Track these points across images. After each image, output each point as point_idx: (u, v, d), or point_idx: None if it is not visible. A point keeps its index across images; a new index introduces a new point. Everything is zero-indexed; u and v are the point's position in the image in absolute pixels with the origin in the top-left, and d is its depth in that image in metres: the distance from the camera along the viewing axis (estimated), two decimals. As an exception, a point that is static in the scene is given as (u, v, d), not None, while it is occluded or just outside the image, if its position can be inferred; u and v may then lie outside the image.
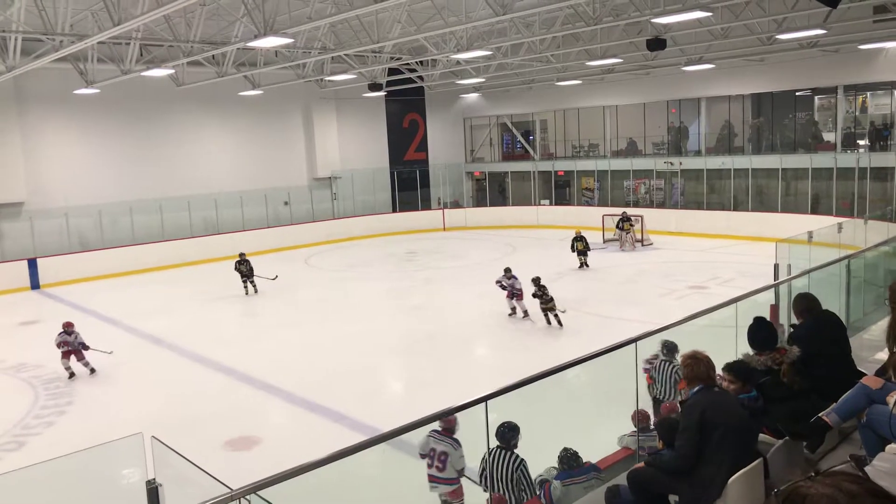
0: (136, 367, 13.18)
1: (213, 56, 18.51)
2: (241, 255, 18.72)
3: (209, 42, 16.23)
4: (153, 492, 4.00)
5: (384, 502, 7.04)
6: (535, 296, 14.13)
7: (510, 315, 14.90)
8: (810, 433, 4.20)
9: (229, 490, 3.21)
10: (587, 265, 19.55)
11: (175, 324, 15.93)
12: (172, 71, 19.13)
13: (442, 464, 6.59)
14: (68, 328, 12.53)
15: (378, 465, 6.07)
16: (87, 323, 16.83)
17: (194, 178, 24.93)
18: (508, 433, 5.83)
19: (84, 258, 21.84)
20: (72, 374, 12.32)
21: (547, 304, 14.08)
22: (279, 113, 27.39)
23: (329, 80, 24.43)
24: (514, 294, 14.88)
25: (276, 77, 22.77)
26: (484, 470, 5.56)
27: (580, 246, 19.50)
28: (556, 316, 14.04)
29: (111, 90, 20.15)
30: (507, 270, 15.24)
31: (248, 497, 3.23)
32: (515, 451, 5.91)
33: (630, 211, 24.33)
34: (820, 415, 4.17)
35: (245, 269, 18.41)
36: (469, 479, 6.39)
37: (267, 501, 3.25)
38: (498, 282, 15.16)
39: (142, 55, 18.01)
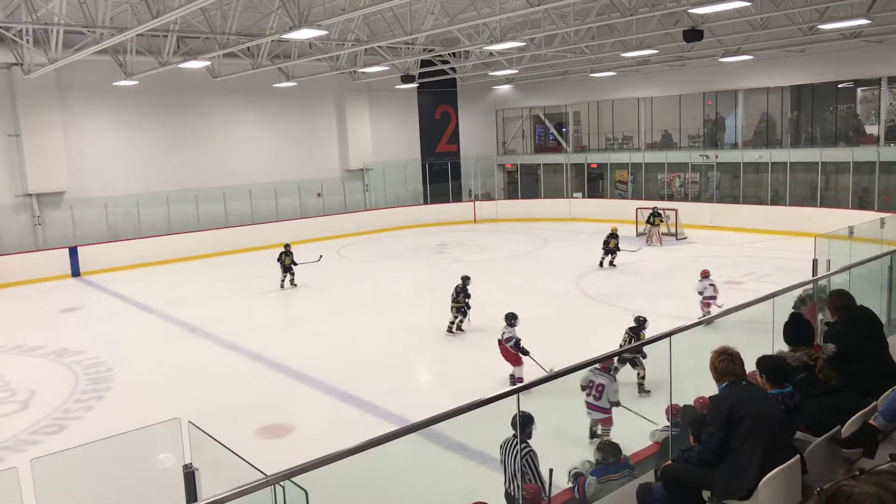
0: (173, 354, 13.44)
1: (249, 48, 18.71)
2: (286, 245, 18.56)
3: (244, 34, 16.41)
4: (190, 476, 4.09)
5: (414, 492, 7.09)
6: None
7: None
8: (861, 439, 4.12)
9: (264, 475, 3.27)
10: (613, 264, 19.12)
11: (210, 312, 16.20)
12: (208, 63, 19.38)
13: (599, 393, 8.08)
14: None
15: (408, 454, 6.11)
16: (125, 310, 17.25)
17: (229, 169, 25.28)
18: (522, 422, 5.84)
19: (122, 247, 22.32)
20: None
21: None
22: (312, 105, 27.60)
23: (362, 72, 24.52)
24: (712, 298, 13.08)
25: (310, 69, 22.94)
26: (501, 458, 5.61)
27: (613, 243, 19.00)
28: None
29: (149, 82, 20.51)
30: (706, 274, 13.46)
31: (282, 483, 3.28)
32: (528, 441, 5.91)
33: (664, 205, 24.03)
34: (869, 420, 4.09)
35: (287, 262, 18.15)
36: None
37: (300, 487, 3.29)
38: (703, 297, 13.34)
39: (179, 47, 18.28)
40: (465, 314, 13.69)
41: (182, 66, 18.36)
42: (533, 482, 5.85)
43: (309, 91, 26.05)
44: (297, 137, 27.42)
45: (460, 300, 13.66)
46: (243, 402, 10.68)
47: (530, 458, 5.90)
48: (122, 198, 22.89)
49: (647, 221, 22.96)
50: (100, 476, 5.27)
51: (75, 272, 21.36)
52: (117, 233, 22.86)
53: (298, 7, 12.93)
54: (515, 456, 5.87)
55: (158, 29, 15.32)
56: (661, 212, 23.04)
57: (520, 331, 10.83)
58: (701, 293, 13.35)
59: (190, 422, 4.44)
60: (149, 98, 23.09)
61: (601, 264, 19.11)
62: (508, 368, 10.75)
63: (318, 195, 27.58)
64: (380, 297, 17.48)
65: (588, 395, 8.15)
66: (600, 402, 8.13)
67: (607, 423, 8.16)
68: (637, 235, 23.54)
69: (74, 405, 10.87)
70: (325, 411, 10.57)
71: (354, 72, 24.37)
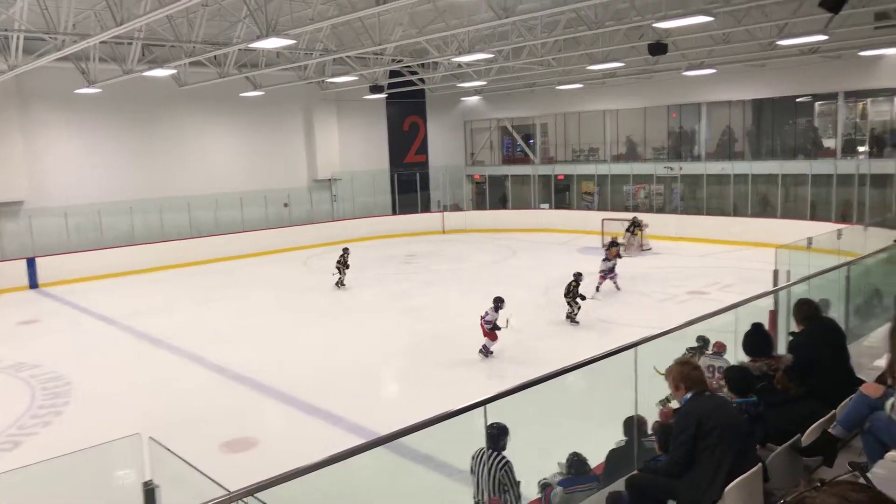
0: (134, 367, 13.16)
1: (215, 57, 18.51)
2: (346, 249, 19.52)
3: (211, 42, 16.24)
4: (150, 493, 3.99)
5: (381, 505, 7.03)
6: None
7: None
8: (821, 448, 4.20)
9: (227, 492, 3.20)
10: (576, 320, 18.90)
11: (174, 324, 15.93)
12: (174, 71, 19.13)
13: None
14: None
15: (374, 467, 6.06)
16: (85, 322, 16.86)
17: (195, 179, 24.95)
18: (496, 434, 5.83)
19: (83, 258, 21.83)
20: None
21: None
22: (280, 114, 27.41)
23: (330, 82, 24.45)
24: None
25: (278, 78, 22.79)
26: (472, 469, 5.58)
27: (614, 251, 18.33)
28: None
29: (113, 90, 20.16)
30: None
31: (245, 499, 3.22)
32: (503, 452, 5.91)
33: (631, 216, 24.30)
34: (828, 429, 4.17)
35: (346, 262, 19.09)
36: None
37: (264, 503, 3.24)
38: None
39: (144, 55, 18.04)
40: (577, 306, 14.53)
41: (147, 74, 18.11)
42: (511, 494, 5.86)
43: (276, 100, 25.87)
44: (265, 147, 27.20)
45: (571, 294, 14.47)
46: (206, 416, 10.50)
47: (507, 470, 5.88)
48: (84, 207, 22.41)
49: (627, 230, 23.17)
50: (57, 494, 5.12)
51: (33, 284, 20.82)
52: (78, 243, 22.36)
53: (266, 16, 12.85)
54: (491, 468, 5.85)
55: (123, 36, 15.11)
56: (640, 221, 23.33)
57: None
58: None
59: (151, 437, 4.34)
60: (112, 106, 22.70)
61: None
62: (482, 380, 10.81)
63: (286, 205, 27.35)
64: (348, 307, 17.36)
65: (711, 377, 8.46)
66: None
67: None
68: (602, 246, 23.76)
69: (31, 421, 10.57)
70: (291, 424, 10.44)
71: (323, 81, 24.28)
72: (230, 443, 9.42)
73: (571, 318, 14.53)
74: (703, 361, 8.59)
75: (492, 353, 12.77)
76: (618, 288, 17.23)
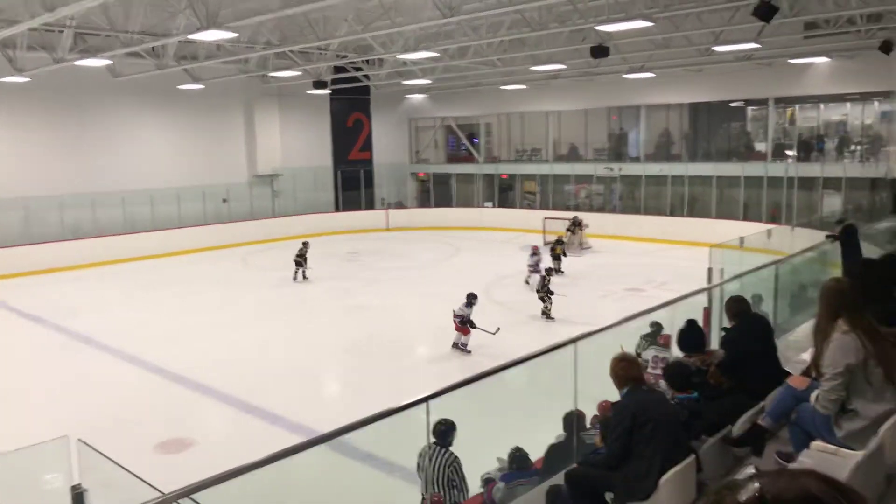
0: (64, 366, 12.67)
1: (153, 48, 17.97)
2: (305, 242, 19.85)
3: (149, 33, 15.76)
4: (78, 497, 3.84)
5: (322, 504, 6.96)
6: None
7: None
8: (750, 439, 4.35)
9: (160, 494, 3.12)
10: (561, 271, 19.27)
11: (105, 322, 15.39)
12: (109, 62, 18.48)
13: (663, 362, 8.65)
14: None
15: (315, 466, 5.99)
16: (9, 320, 16.14)
17: (129, 173, 24.14)
18: (445, 430, 5.86)
19: (10, 253, 20.86)
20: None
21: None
22: (220, 108, 26.79)
23: (272, 76, 24.02)
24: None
25: (218, 71, 22.27)
26: (420, 465, 5.59)
27: (559, 250, 19.51)
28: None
29: (42, 79, 19.31)
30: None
31: (179, 501, 3.14)
32: (450, 448, 5.94)
33: (572, 215, 24.69)
34: (757, 420, 4.32)
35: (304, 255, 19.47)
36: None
37: (200, 505, 3.16)
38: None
39: (76, 44, 17.33)
40: (550, 301, 14.74)
41: (79, 63, 17.42)
42: (459, 489, 5.90)
43: (216, 94, 25.24)
44: (203, 141, 26.53)
45: (544, 290, 14.75)
46: (140, 417, 10.19)
47: (456, 466, 5.92)
48: (10, 201, 21.39)
49: (568, 230, 23.53)
50: (-22, 500, 4.88)
51: (-46, 280, 19.82)
52: (4, 238, 21.34)
53: (207, 7, 12.54)
54: (439, 465, 5.86)
55: (53, 24, 14.51)
56: (580, 220, 23.74)
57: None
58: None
59: (80, 439, 4.19)
60: (42, 96, 21.73)
61: (557, 271, 18.87)
62: (424, 378, 10.79)
63: (224, 201, 26.74)
64: (288, 306, 17.12)
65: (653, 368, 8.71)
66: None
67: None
68: (545, 244, 24.09)
69: (-49, 424, 10.05)
70: (229, 424, 10.23)
71: (265, 76, 23.85)
72: (164, 444, 9.17)
73: (547, 314, 14.78)
74: (650, 351, 8.88)
75: (467, 348, 12.71)
76: (527, 282, 17.98)
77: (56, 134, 22.76)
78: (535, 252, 18.42)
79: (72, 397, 11.03)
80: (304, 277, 19.50)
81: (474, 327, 12.59)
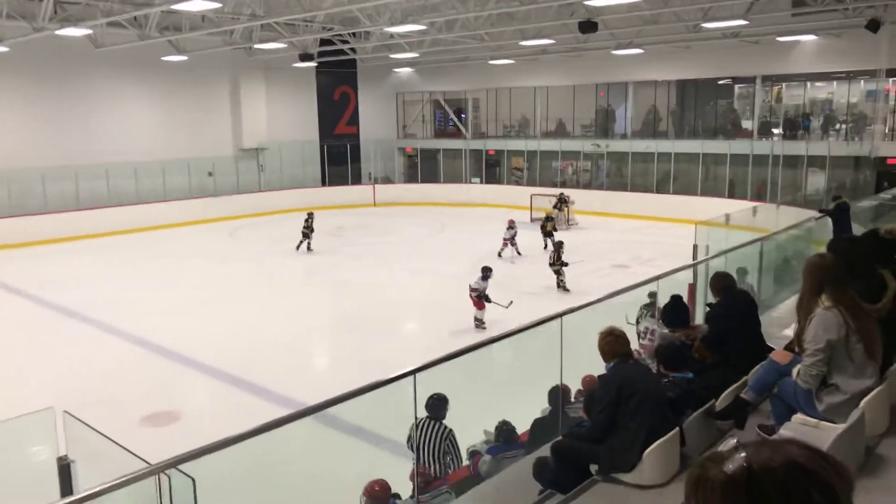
0: (49, 340, 12.59)
1: (136, 18, 17.64)
2: (311, 214, 20.06)
3: (130, 2, 15.45)
4: (65, 468, 3.85)
5: (308, 476, 7.00)
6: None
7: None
8: (733, 412, 4.41)
9: (147, 464, 3.12)
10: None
11: (91, 296, 15.27)
12: (90, 31, 18.14)
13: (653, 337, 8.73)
14: None
15: (302, 439, 6.02)
16: (-7, 295, 15.99)
17: (113, 146, 23.81)
18: (438, 404, 5.91)
19: (-10, 226, 20.62)
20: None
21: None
22: (205, 80, 26.41)
23: (258, 49, 23.68)
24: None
25: (203, 43, 21.91)
26: (410, 438, 5.63)
27: (549, 227, 19.60)
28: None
29: (22, 49, 18.95)
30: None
31: (167, 472, 3.14)
32: (443, 421, 6.00)
33: (558, 191, 24.71)
34: (740, 394, 4.37)
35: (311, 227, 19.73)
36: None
37: (188, 475, 3.17)
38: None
39: (56, 13, 16.97)
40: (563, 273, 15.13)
41: (60, 33, 17.07)
42: (455, 461, 5.99)
43: (201, 66, 24.88)
44: (188, 114, 26.18)
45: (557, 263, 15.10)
46: (127, 391, 10.17)
47: (452, 439, 5.99)
48: (-9, 173, 21.10)
49: (555, 207, 23.57)
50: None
51: (-65, 253, 19.57)
52: (-16, 211, 21.07)
53: (189, -24, 12.30)
54: (435, 438, 5.92)
55: (32, -9, 14.18)
56: (567, 197, 23.78)
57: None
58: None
59: (66, 411, 4.18)
60: (22, 67, 21.32)
61: (546, 247, 18.95)
62: (411, 352, 10.83)
63: (210, 174, 26.49)
64: (275, 280, 17.07)
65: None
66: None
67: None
68: (531, 221, 24.13)
69: (-66, 397, 9.99)
70: (216, 397, 10.25)
71: (250, 48, 23.51)
72: (152, 417, 9.18)
73: (562, 286, 15.06)
74: (644, 322, 9.01)
75: (483, 324, 12.55)
76: (499, 255, 18.45)
77: (37, 105, 22.39)
78: (511, 226, 18.69)
79: (57, 371, 10.98)
80: (309, 249, 19.61)
81: (489, 301, 12.51)
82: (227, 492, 5.46)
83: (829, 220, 11.86)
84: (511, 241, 18.44)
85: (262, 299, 15.15)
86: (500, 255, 18.41)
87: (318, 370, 11.83)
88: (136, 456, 3.59)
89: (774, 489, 1.15)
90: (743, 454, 1.20)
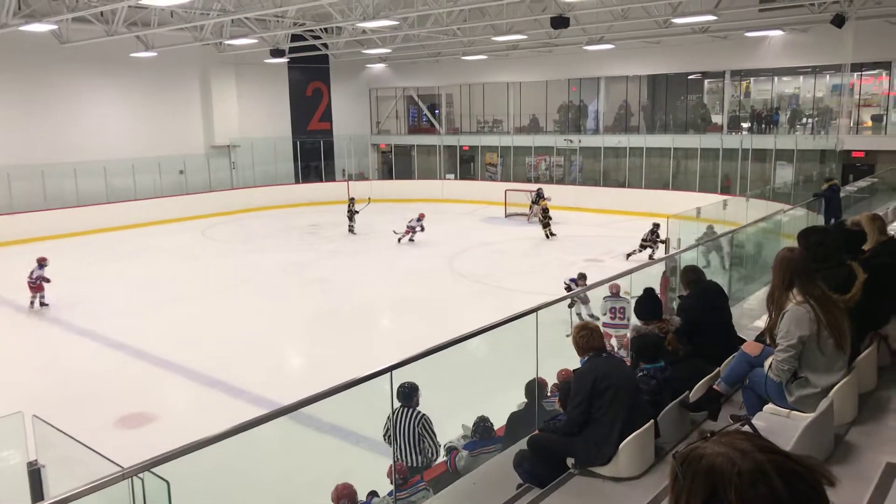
0: (17, 343, 12.35)
1: (102, 13, 17.32)
2: (352, 199, 22.28)
3: (96, -3, 15.16)
4: (35, 473, 3.78)
5: (284, 476, 6.96)
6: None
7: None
8: (706, 403, 4.47)
9: (120, 468, 3.07)
10: (554, 234, 20.74)
11: (60, 297, 14.96)
12: (55, 27, 17.77)
13: (622, 314, 9.12)
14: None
15: (278, 439, 5.98)
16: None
17: (81, 144, 23.37)
18: (408, 392, 5.92)
19: (-46, 227, 20.14)
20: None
21: None
22: (175, 77, 26.03)
23: (228, 44, 23.41)
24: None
25: (172, 39, 21.60)
26: (388, 430, 5.63)
27: (547, 220, 20.74)
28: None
29: (-16, 45, 18.52)
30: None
31: (140, 475, 3.10)
32: (417, 408, 6.01)
33: (532, 187, 24.80)
34: (713, 386, 4.43)
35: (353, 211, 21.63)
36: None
37: (162, 479, 3.13)
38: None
39: (20, 8, 16.60)
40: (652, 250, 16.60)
41: (24, 28, 16.70)
42: (432, 446, 5.99)
43: (171, 62, 24.51)
44: (158, 111, 25.80)
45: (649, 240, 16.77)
46: (99, 393, 10.02)
47: (426, 423, 6.00)
48: (-47, 173, 20.61)
49: (533, 202, 23.64)
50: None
51: None
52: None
53: (156, -29, 12.11)
54: (408, 424, 5.94)
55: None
56: (543, 194, 23.89)
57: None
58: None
59: (35, 415, 4.10)
60: (-17, 63, 20.86)
61: (548, 237, 20.72)
62: (387, 350, 10.80)
63: (181, 172, 26.13)
64: (249, 279, 16.91)
65: (612, 318, 9.23)
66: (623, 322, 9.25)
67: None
68: (506, 216, 24.19)
69: None
70: (191, 398, 10.13)
71: (220, 44, 23.22)
72: (125, 419, 9.06)
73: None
74: (605, 305, 9.22)
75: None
76: (399, 241, 19.99)
77: (1, 103, 21.88)
78: (420, 217, 20.11)
79: (26, 374, 10.78)
80: (353, 232, 21.56)
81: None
82: (203, 494, 5.41)
83: (807, 211, 12.23)
84: (413, 230, 19.90)
85: (236, 298, 15.01)
86: (398, 240, 19.97)
87: (294, 369, 11.75)
88: (107, 459, 3.54)
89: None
90: (695, 444, 1.23)
